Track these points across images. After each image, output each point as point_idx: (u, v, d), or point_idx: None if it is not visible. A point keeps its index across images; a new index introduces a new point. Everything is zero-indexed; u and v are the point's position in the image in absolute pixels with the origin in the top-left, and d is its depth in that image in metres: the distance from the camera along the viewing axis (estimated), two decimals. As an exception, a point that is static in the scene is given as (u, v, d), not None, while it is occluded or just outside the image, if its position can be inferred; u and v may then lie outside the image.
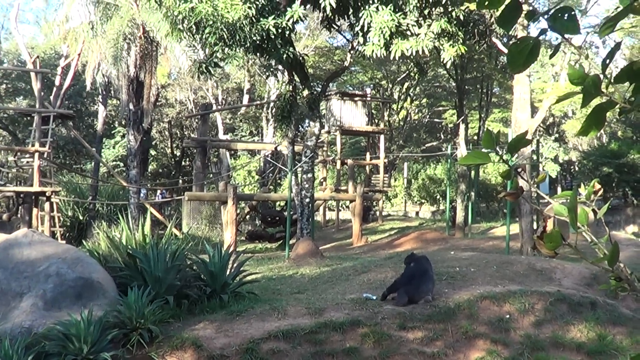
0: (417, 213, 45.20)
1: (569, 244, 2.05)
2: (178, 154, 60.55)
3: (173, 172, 58.74)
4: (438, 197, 42.34)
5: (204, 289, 10.64)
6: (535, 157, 21.60)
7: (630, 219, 34.94)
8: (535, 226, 19.55)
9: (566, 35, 1.95)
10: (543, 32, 1.99)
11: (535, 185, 2.28)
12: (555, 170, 46.50)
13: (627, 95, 1.96)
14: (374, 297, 10.79)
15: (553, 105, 40.70)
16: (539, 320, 10.10)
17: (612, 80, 1.91)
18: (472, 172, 31.99)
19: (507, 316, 10.11)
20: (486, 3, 1.99)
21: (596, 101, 2.02)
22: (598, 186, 2.11)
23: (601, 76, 1.93)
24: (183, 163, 61.04)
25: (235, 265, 11.73)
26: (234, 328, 9.15)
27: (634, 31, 36.87)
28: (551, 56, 2.31)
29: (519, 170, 2.14)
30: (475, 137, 44.25)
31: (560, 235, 2.02)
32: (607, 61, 1.94)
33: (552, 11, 1.92)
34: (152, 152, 56.47)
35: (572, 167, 56.41)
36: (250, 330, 9.08)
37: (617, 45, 1.96)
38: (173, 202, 41.59)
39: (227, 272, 11.22)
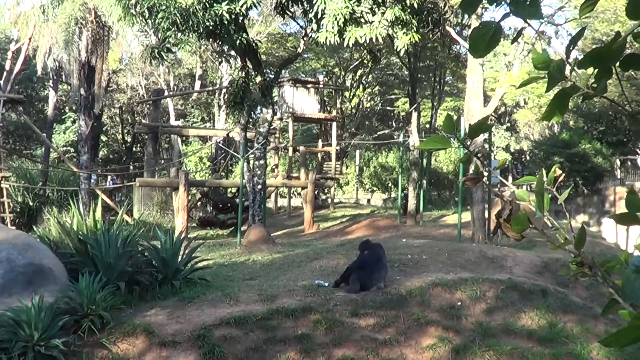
0: (368, 200, 45.35)
1: (536, 227, 2.05)
2: (129, 139, 59.91)
3: (124, 158, 58.14)
4: (390, 184, 42.52)
5: (156, 275, 10.53)
6: (487, 146, 21.80)
7: (580, 209, 35.48)
8: (486, 214, 19.75)
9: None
10: (505, 16, 1.98)
11: (497, 172, 2.29)
12: (507, 159, 47.04)
13: (589, 82, 1.97)
14: (326, 284, 10.79)
15: (513, 91, 41.20)
16: (490, 307, 10.20)
17: (575, 66, 1.91)
18: (424, 160, 32.22)
19: (459, 303, 10.19)
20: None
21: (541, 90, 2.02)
22: (559, 172, 2.11)
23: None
24: (134, 149, 60.45)
25: (187, 251, 11.64)
26: (186, 314, 9.08)
27: (586, 22, 37.39)
28: (513, 41, 2.32)
29: (479, 155, 2.14)
30: (428, 125, 44.50)
31: (527, 219, 2.03)
32: (571, 47, 1.94)
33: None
34: (103, 138, 55.86)
35: (523, 156, 57.14)
36: (202, 317, 9.02)
37: (581, 31, 1.96)
38: (124, 188, 41.16)
39: (179, 259, 11.13)
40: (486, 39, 1.93)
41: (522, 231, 2.08)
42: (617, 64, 1.87)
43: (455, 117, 2.13)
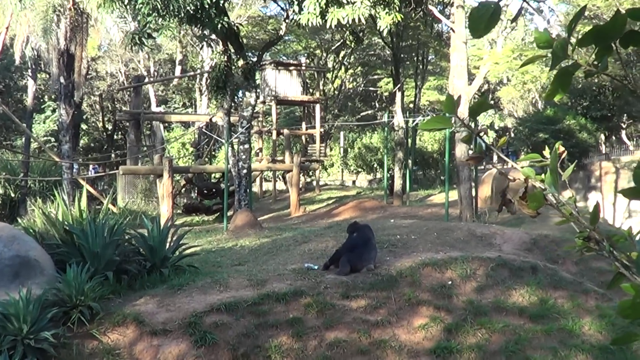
0: (353, 182, 45.44)
1: (552, 204, 2.06)
2: (110, 127, 59.61)
3: (105, 147, 57.87)
4: (375, 165, 42.56)
5: (144, 263, 10.52)
6: (472, 124, 21.82)
7: (565, 184, 35.60)
8: (473, 193, 19.81)
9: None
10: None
11: (499, 149, 2.29)
12: (491, 137, 47.11)
13: (590, 59, 1.96)
14: (316, 267, 10.81)
15: (496, 69, 41.17)
16: (480, 285, 10.25)
17: (576, 44, 1.91)
18: (409, 140, 32.25)
19: (449, 282, 10.24)
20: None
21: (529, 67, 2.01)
22: (562, 148, 2.12)
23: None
24: (115, 137, 60.17)
25: (174, 238, 11.61)
26: (176, 302, 9.07)
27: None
28: (513, 20, 2.31)
29: (481, 134, 2.14)
30: (411, 105, 44.49)
31: (543, 196, 2.04)
32: (573, 25, 1.94)
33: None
34: (84, 127, 55.54)
35: (507, 133, 57.29)
36: (192, 304, 9.01)
37: (582, 9, 1.95)
38: (106, 177, 40.99)
39: (167, 246, 11.10)
40: (485, 19, 1.92)
41: (538, 208, 2.09)
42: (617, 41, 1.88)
43: (455, 97, 2.13)
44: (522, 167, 2.13)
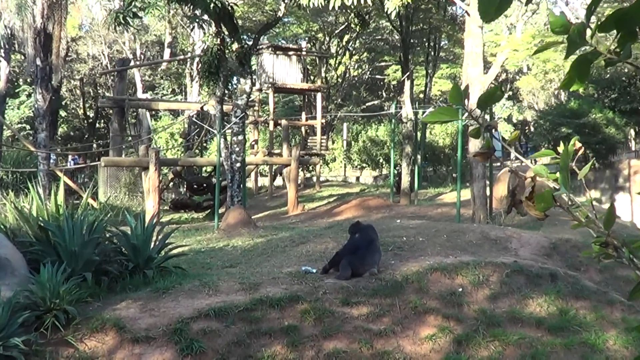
0: (357, 178, 45.39)
1: (561, 205, 2.06)
2: (92, 115, 59.61)
3: (86, 136, 57.89)
4: (381, 160, 42.56)
5: (126, 264, 10.51)
6: (487, 117, 21.83)
7: (591, 184, 35.25)
8: (488, 192, 19.78)
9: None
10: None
11: (511, 146, 2.29)
12: (509, 131, 47.04)
13: (612, 46, 1.96)
14: (314, 270, 10.81)
15: (515, 57, 41.04)
16: (494, 293, 10.25)
17: (596, 29, 1.90)
18: (418, 134, 32.22)
19: (460, 289, 10.24)
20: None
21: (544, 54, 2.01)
22: (579, 144, 2.12)
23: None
24: (97, 125, 60.19)
25: (160, 237, 11.61)
26: (160, 307, 9.08)
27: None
28: (527, 2, 2.30)
29: (491, 128, 2.14)
30: (422, 95, 44.45)
31: (552, 196, 2.03)
32: (593, 7, 1.94)
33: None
34: (63, 113, 55.53)
35: (527, 127, 57.08)
36: (179, 309, 9.01)
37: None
38: (87, 169, 40.98)
39: (151, 245, 11.10)
40: (497, 1, 1.92)
41: (547, 209, 2.09)
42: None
43: (462, 87, 2.13)
44: (534, 164, 2.13)
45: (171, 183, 31.63)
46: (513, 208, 2.29)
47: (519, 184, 2.21)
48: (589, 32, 1.91)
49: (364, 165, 44.73)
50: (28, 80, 45.32)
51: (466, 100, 15.54)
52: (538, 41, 39.26)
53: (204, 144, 43.88)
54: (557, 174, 2.07)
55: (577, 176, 2.12)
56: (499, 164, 27.25)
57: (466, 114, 2.01)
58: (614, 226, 2.05)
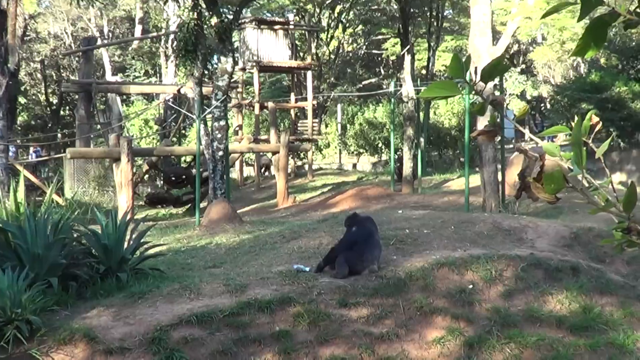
0: (354, 165, 45.46)
1: (573, 186, 2.02)
2: (55, 101, 59.31)
3: (49, 125, 57.64)
4: (380, 145, 42.62)
5: (97, 267, 10.49)
6: (498, 92, 21.81)
7: (616, 166, 34.97)
8: (500, 177, 19.74)
9: None
10: None
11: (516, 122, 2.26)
12: (528, 108, 47.00)
13: (632, 6, 1.92)
14: (307, 269, 10.79)
15: (528, 25, 40.94)
16: (509, 290, 10.23)
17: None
18: (421, 114, 32.19)
19: (470, 286, 10.22)
20: None
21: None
22: (596, 119, 2.07)
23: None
24: (62, 113, 59.91)
25: (134, 236, 11.61)
26: (136, 314, 9.06)
27: None
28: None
29: (496, 103, 2.10)
30: (424, 71, 44.45)
31: (563, 176, 1.99)
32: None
33: None
34: (22, 100, 55.35)
35: (542, 104, 56.92)
36: (157, 316, 8.99)
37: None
38: (51, 162, 40.89)
39: (125, 246, 11.09)
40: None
41: (557, 192, 2.04)
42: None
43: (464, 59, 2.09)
44: (544, 143, 2.09)
45: (146, 175, 31.63)
46: (523, 192, 2.24)
47: (529, 165, 2.17)
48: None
49: (361, 150, 44.79)
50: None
51: (473, 75, 15.51)
52: (553, 7, 39.15)
53: (182, 131, 43.84)
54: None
55: (595, 156, 2.08)
56: (511, 145, 27.25)
57: (468, 88, 1.96)
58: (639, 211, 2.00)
